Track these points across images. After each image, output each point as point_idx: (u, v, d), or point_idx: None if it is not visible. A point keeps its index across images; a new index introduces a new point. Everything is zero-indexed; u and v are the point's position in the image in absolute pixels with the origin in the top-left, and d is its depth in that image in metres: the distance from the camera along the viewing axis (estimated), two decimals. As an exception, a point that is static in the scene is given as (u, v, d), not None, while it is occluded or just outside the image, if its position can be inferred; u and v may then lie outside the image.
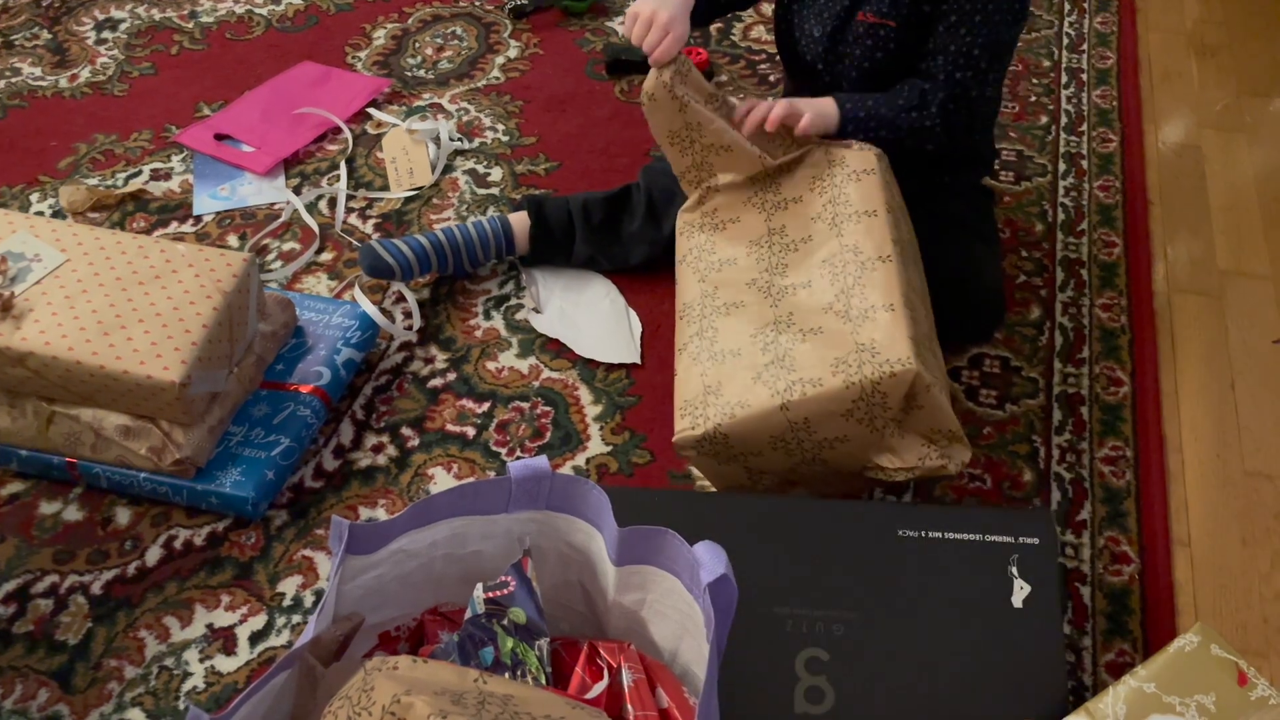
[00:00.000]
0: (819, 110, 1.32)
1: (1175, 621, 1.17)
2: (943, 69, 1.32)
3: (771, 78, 1.97)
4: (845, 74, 1.40)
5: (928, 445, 1.16)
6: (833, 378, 1.12)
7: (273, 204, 1.70)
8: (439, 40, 2.07)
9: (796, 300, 1.22)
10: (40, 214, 1.67)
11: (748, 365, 1.18)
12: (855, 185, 1.29)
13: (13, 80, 1.96)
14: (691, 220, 1.38)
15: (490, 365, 1.44)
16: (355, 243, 1.62)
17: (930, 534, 1.09)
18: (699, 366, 1.21)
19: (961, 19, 1.29)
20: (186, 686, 1.11)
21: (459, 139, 1.82)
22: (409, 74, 1.98)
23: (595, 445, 1.34)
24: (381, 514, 1.27)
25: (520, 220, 1.54)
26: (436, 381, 1.42)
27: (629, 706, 0.85)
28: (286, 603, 1.18)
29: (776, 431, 1.14)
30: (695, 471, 1.31)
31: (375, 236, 1.63)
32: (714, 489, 1.28)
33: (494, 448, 1.34)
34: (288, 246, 1.62)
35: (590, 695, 0.86)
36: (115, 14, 2.14)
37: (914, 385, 1.11)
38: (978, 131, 1.43)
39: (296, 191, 1.72)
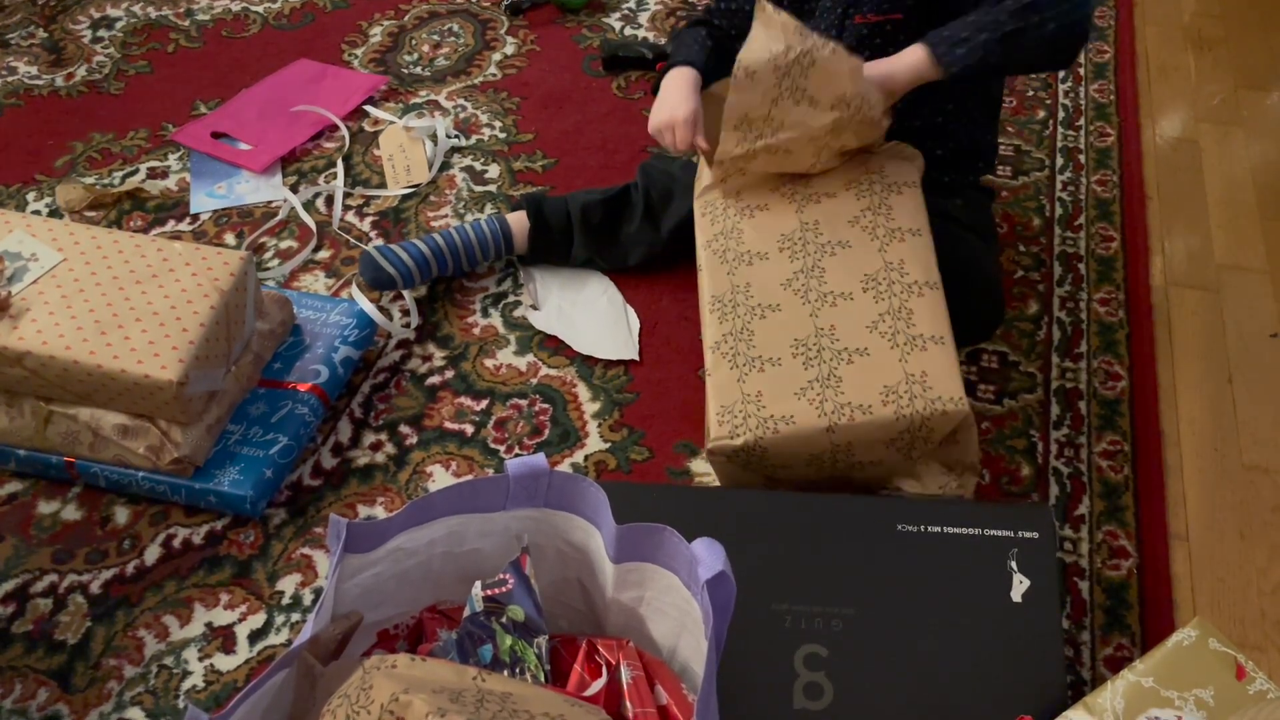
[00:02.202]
0: (901, 65, 1.23)
1: (1173, 616, 1.18)
2: None
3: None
4: None
5: (947, 474, 1.18)
6: (883, 407, 1.12)
7: (270, 202, 1.69)
8: (436, 37, 2.07)
9: (837, 313, 1.20)
10: (37, 213, 1.68)
11: (790, 377, 1.16)
12: (898, 198, 1.26)
13: (9, 79, 1.96)
14: (713, 201, 1.32)
15: (488, 363, 1.44)
16: (353, 240, 1.62)
17: (929, 528, 1.09)
18: (736, 371, 1.17)
19: None
20: (186, 685, 1.11)
21: (456, 136, 1.82)
22: (406, 71, 1.98)
23: (594, 442, 1.34)
24: (380, 512, 1.27)
25: (519, 220, 1.53)
26: (434, 379, 1.42)
27: (628, 704, 0.85)
28: (285, 601, 1.18)
29: (817, 450, 1.14)
30: (694, 469, 1.31)
31: (373, 242, 1.62)
32: (712, 485, 1.28)
33: (492, 445, 1.34)
34: (285, 245, 1.62)
35: (589, 693, 0.86)
36: (111, 12, 2.13)
37: (961, 424, 1.12)
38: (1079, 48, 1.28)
39: (294, 189, 1.71)
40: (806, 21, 1.38)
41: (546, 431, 1.36)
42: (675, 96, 1.34)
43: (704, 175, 1.36)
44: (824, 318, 1.19)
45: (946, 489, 1.18)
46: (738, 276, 1.25)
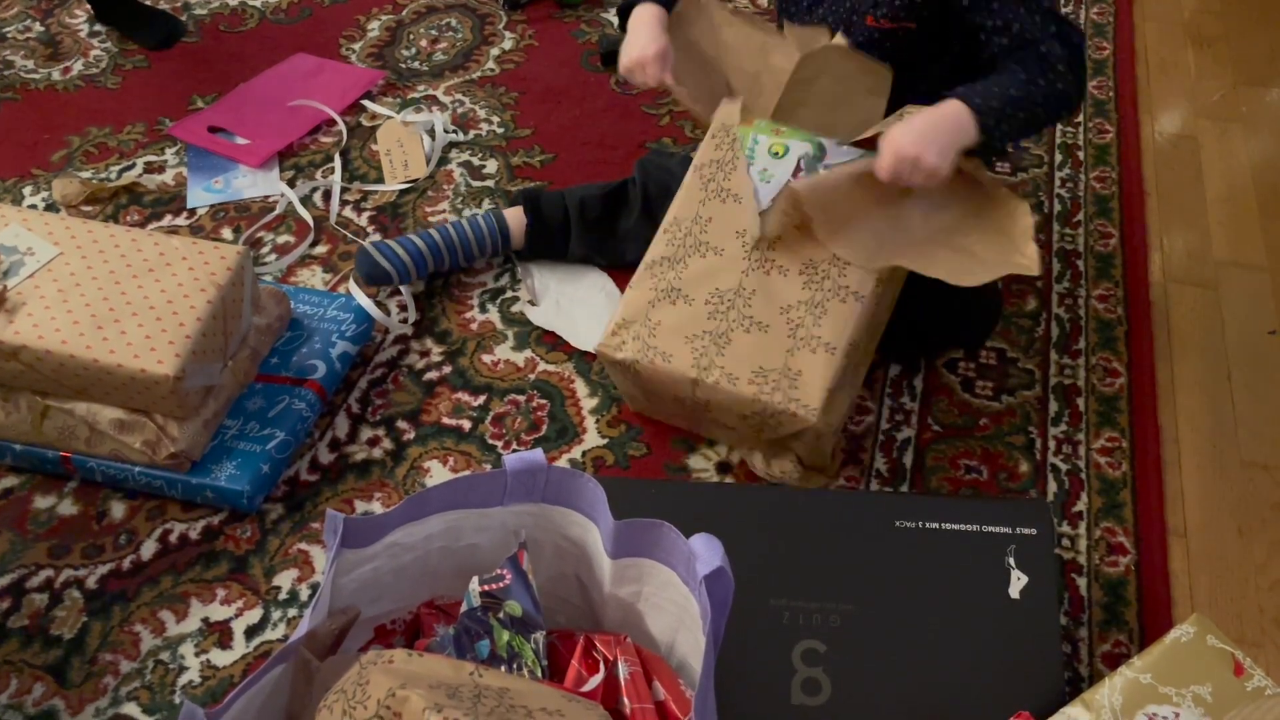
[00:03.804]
0: (940, 125, 1.18)
1: (1171, 612, 1.18)
2: (1031, 34, 1.21)
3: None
4: None
5: (796, 465, 1.24)
6: (748, 385, 1.19)
7: (267, 197, 1.69)
8: (433, 32, 2.06)
9: (768, 281, 1.24)
10: (33, 207, 1.67)
11: (691, 319, 1.23)
12: None
13: (5, 73, 1.95)
14: (729, 128, 1.31)
15: (486, 358, 1.44)
16: (350, 235, 1.61)
17: (927, 525, 1.09)
18: (654, 294, 1.25)
19: None
20: (182, 680, 1.10)
21: (454, 131, 1.82)
22: (403, 66, 1.97)
23: (591, 438, 1.34)
24: (377, 507, 1.26)
25: (516, 216, 1.53)
26: (432, 374, 1.42)
27: (625, 699, 0.85)
28: (282, 596, 1.17)
29: (680, 393, 1.22)
30: (691, 465, 1.31)
31: (370, 238, 1.62)
32: (710, 480, 1.28)
33: (490, 440, 1.34)
34: (282, 239, 1.62)
35: (586, 688, 0.86)
36: (108, 6, 2.12)
37: (808, 429, 1.18)
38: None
39: (291, 184, 1.71)
40: (812, 12, 1.37)
41: (544, 427, 1.35)
42: (644, 35, 1.33)
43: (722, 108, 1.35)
44: (751, 280, 1.24)
45: (789, 477, 1.24)
46: (706, 208, 1.29)
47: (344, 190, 1.70)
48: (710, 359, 1.20)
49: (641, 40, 1.33)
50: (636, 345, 1.23)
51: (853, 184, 1.21)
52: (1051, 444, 1.34)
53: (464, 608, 0.88)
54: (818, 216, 1.21)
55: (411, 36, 2.05)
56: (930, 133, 1.17)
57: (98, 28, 2.06)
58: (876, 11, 1.30)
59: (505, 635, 0.86)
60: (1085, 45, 1.25)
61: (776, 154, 1.31)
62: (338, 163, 1.74)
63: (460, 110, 1.87)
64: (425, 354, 1.45)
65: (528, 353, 1.45)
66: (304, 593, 1.18)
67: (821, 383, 1.18)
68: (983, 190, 1.28)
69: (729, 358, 1.20)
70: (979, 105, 1.18)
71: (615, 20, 2.08)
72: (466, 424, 1.36)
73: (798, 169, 1.29)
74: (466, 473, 1.30)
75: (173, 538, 1.23)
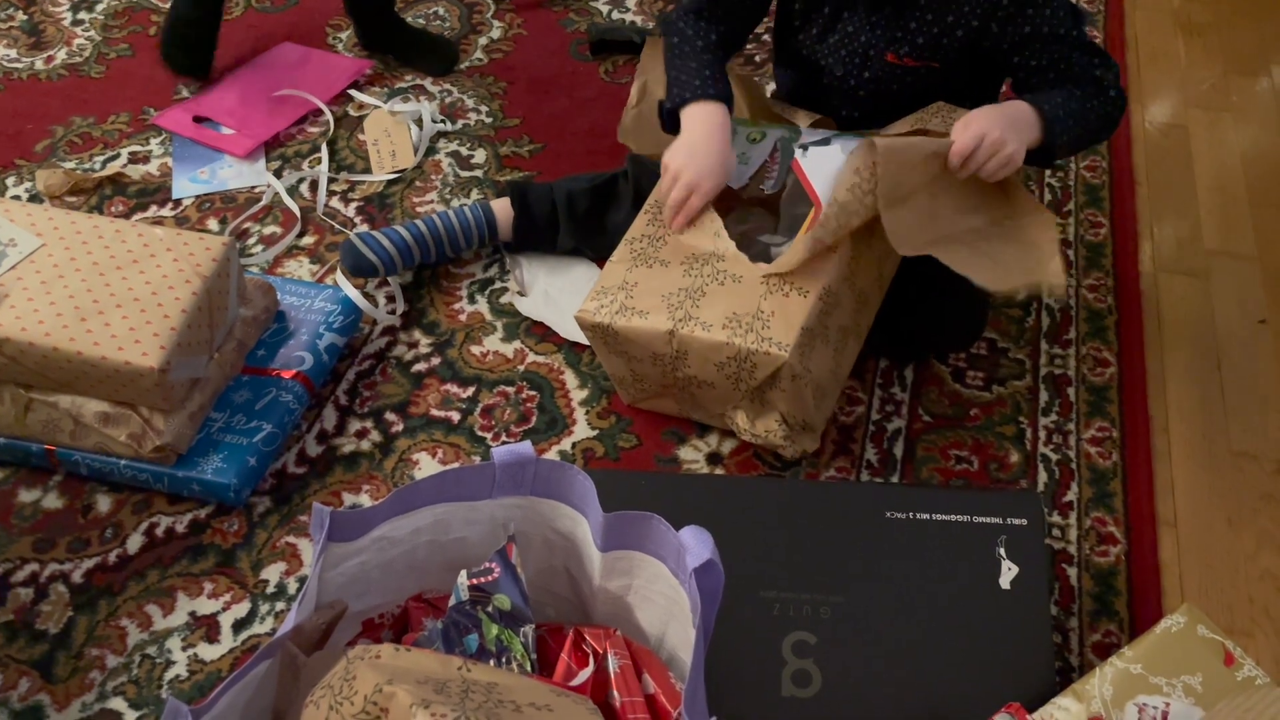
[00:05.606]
0: (1014, 116, 1.20)
1: (1161, 602, 1.18)
2: (1081, 68, 1.25)
3: (755, 78, 1.96)
4: (872, 110, 1.37)
5: (780, 424, 1.22)
6: (721, 330, 1.18)
7: (253, 187, 1.68)
8: (421, 21, 2.04)
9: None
10: (16, 198, 1.66)
11: (667, 281, 1.23)
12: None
13: (-13, 62, 1.93)
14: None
15: (475, 349, 1.43)
16: (337, 226, 1.60)
17: (918, 515, 1.09)
18: (631, 263, 1.26)
19: (1053, 26, 1.24)
20: (169, 675, 1.10)
21: (442, 121, 1.80)
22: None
23: (581, 429, 1.33)
24: (366, 500, 1.26)
25: (503, 207, 1.52)
26: (420, 366, 1.41)
27: (615, 693, 0.85)
28: (270, 590, 1.17)
29: (658, 350, 1.22)
30: (682, 456, 1.30)
31: (356, 228, 1.61)
32: (700, 472, 1.27)
33: (479, 432, 1.33)
34: (269, 230, 1.60)
35: (576, 682, 0.85)
36: (92, -6, 2.10)
37: (779, 370, 1.15)
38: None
39: (277, 174, 1.70)
40: (823, 41, 1.35)
41: (534, 419, 1.35)
42: (712, 150, 1.26)
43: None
44: (723, 241, 1.25)
45: (772, 435, 1.23)
46: None
47: (331, 180, 1.69)
48: (685, 311, 1.20)
49: (706, 155, 1.25)
50: (614, 308, 1.23)
51: (921, 161, 1.19)
52: (1042, 434, 1.34)
53: (452, 601, 0.88)
54: (886, 180, 1.17)
55: (399, 25, 2.03)
56: (1010, 122, 1.19)
57: (81, 16, 2.04)
58: (898, 50, 1.29)
59: (494, 629, 0.86)
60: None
61: (754, 140, 1.33)
62: (324, 153, 1.73)
63: (448, 100, 1.85)
64: (413, 345, 1.44)
65: (517, 344, 1.44)
66: (292, 586, 1.17)
67: (795, 320, 1.16)
68: (1011, 200, 1.28)
69: (703, 309, 1.20)
70: (1047, 110, 1.21)
71: (603, 14, 2.07)
72: (455, 416, 1.35)
73: (774, 150, 1.30)
74: (455, 465, 1.29)
75: (159, 531, 1.22)
